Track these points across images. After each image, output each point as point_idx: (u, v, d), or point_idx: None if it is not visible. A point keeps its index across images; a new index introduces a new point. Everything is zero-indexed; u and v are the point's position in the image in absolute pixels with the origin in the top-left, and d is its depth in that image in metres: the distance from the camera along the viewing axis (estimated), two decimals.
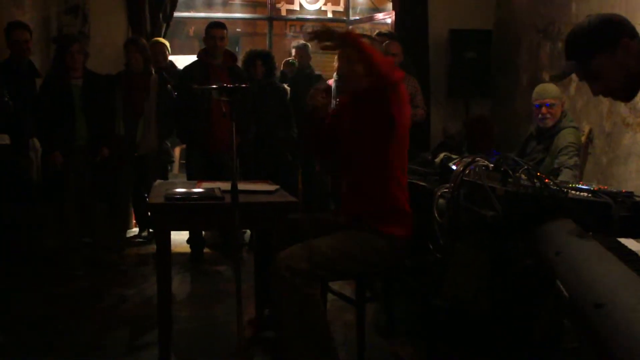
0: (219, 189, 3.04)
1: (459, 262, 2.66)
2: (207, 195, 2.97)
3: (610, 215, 2.32)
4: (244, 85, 2.69)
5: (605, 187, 2.51)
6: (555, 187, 2.36)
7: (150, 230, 5.86)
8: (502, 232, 2.36)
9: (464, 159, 2.87)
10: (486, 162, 2.72)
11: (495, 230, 2.38)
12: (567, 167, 3.89)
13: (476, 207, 2.54)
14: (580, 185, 2.55)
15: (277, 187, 3.22)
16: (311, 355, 2.68)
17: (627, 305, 1.51)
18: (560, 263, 2.09)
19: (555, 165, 3.96)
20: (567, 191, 2.40)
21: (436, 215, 2.87)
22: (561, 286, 1.99)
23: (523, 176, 2.45)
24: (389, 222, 2.93)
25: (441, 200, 2.96)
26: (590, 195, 2.41)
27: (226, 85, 2.65)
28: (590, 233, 2.32)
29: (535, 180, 2.39)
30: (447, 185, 2.88)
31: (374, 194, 2.94)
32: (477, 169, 2.70)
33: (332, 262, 2.75)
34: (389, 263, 2.97)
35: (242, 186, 2.77)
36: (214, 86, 2.79)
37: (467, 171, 2.71)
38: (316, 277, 2.72)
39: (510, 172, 2.49)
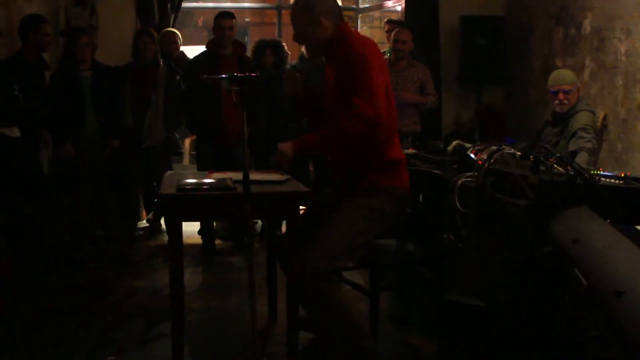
0: (231, 179, 3.01)
1: (483, 253, 2.63)
2: (219, 185, 2.94)
3: None
4: (253, 75, 2.65)
5: (629, 174, 2.48)
6: (587, 175, 2.34)
7: (152, 214, 5.87)
8: (535, 221, 2.32)
9: (489, 147, 2.83)
10: (513, 150, 2.69)
11: (529, 219, 2.34)
12: (584, 150, 3.84)
13: (506, 196, 2.50)
14: (603, 172, 2.52)
15: (288, 177, 3.18)
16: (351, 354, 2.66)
17: None
18: (578, 251, 2.06)
19: (572, 148, 3.91)
20: (599, 178, 2.39)
21: (457, 204, 2.82)
22: (579, 274, 1.96)
23: (555, 164, 2.42)
24: (381, 173, 2.81)
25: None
26: (620, 182, 2.38)
27: (236, 75, 2.62)
28: (608, 220, 2.29)
29: (568, 168, 2.36)
30: (469, 174, 2.84)
31: (360, 149, 2.79)
32: (504, 157, 2.66)
33: (344, 247, 2.70)
34: (391, 217, 2.88)
35: (253, 176, 2.74)
36: (224, 75, 2.76)
37: (492, 160, 2.67)
38: (332, 270, 2.70)
39: (543, 160, 2.46)
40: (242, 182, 2.63)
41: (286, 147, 2.70)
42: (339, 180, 2.98)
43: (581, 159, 3.75)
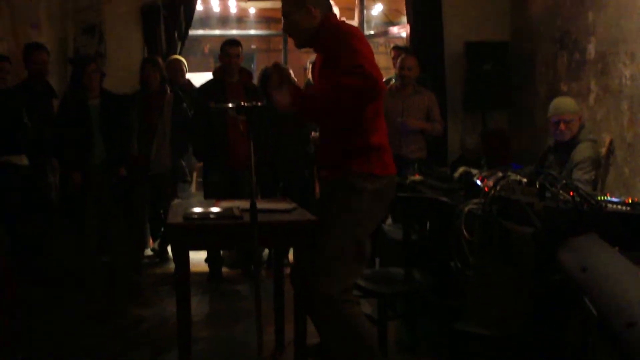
0: (238, 208, 3.01)
1: (491, 281, 2.62)
2: (226, 214, 2.95)
3: None
4: (260, 104, 2.67)
5: (637, 199, 2.47)
6: (593, 201, 2.33)
7: (157, 243, 5.88)
8: (541, 248, 2.32)
9: (495, 174, 2.83)
10: (518, 177, 2.69)
11: (535, 246, 2.34)
12: (580, 183, 3.83)
13: (512, 223, 2.50)
14: (609, 198, 2.51)
15: (295, 205, 3.19)
16: None
17: None
18: (588, 279, 2.05)
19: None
20: (605, 205, 2.37)
21: (464, 232, 2.81)
22: (589, 304, 1.95)
23: (561, 191, 2.42)
24: (365, 160, 2.77)
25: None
26: (628, 208, 2.38)
27: (244, 104, 2.63)
28: (617, 247, 2.27)
29: (574, 195, 2.36)
30: (475, 201, 2.83)
31: (344, 137, 2.79)
32: (509, 184, 2.66)
33: (347, 260, 2.71)
34: (383, 206, 2.86)
35: (260, 205, 2.74)
36: (231, 105, 2.78)
37: (498, 187, 2.67)
38: (349, 286, 2.72)
39: (548, 187, 2.46)
40: (249, 211, 2.63)
41: (284, 97, 2.67)
42: (325, 174, 2.98)
43: None
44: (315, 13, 2.80)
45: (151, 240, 6.03)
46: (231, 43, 5.17)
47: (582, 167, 3.94)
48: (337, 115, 2.73)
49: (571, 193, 2.41)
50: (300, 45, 2.93)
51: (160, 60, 5.56)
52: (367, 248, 2.82)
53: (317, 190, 5.92)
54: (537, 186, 2.57)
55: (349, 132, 2.77)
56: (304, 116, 2.74)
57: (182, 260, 2.91)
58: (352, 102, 2.62)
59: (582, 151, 4.00)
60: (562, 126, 4.05)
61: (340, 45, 2.66)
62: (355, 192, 2.75)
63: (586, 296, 1.99)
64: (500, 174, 2.92)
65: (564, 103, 4.19)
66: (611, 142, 5.02)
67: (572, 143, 4.06)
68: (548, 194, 2.49)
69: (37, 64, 4.90)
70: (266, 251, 5.60)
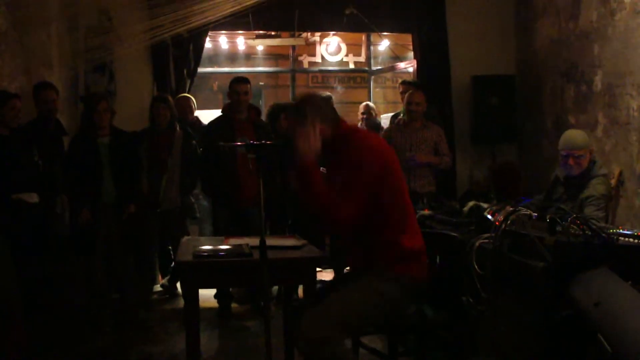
0: (247, 245, 3.02)
1: (502, 315, 2.60)
2: (235, 251, 2.95)
3: None
4: (269, 142, 2.69)
5: None
6: (605, 235, 2.32)
7: (167, 279, 5.87)
8: (552, 282, 2.30)
9: (505, 209, 2.82)
10: (529, 211, 2.68)
11: (546, 281, 2.32)
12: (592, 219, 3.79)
13: (523, 257, 2.48)
14: (622, 230, 2.49)
15: (305, 242, 3.19)
16: None
17: None
18: (601, 315, 2.03)
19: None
20: (617, 238, 2.36)
21: (476, 267, 2.79)
22: (603, 339, 1.93)
23: (572, 225, 2.41)
24: (396, 264, 2.79)
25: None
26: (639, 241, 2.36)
27: (253, 142, 2.66)
28: (630, 282, 2.25)
29: (585, 229, 2.34)
30: (486, 235, 2.82)
31: (375, 243, 2.82)
32: (520, 218, 2.65)
33: (348, 320, 2.70)
34: (403, 306, 2.87)
35: (269, 242, 2.74)
36: (240, 143, 2.80)
37: (509, 221, 2.66)
38: (343, 338, 2.68)
39: (559, 221, 2.45)
40: (258, 248, 2.63)
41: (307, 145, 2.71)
42: (356, 264, 2.98)
43: None
44: (323, 127, 2.78)
45: (160, 277, 6.02)
46: (239, 81, 5.22)
47: (595, 203, 3.86)
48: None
49: (582, 226, 2.39)
50: (318, 157, 2.91)
51: (169, 98, 5.61)
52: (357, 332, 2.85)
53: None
54: (548, 220, 2.55)
55: (378, 236, 2.81)
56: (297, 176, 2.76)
57: (192, 297, 2.92)
58: (318, 214, 2.71)
59: (595, 187, 3.90)
60: (570, 161, 3.96)
61: (350, 157, 2.73)
62: (389, 281, 2.76)
63: (599, 332, 1.97)
64: (510, 208, 2.91)
65: (574, 138, 4.05)
66: (621, 174, 5.00)
67: (584, 178, 3.97)
68: (559, 228, 2.48)
69: (46, 103, 4.97)
70: (275, 286, 5.58)
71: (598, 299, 2.08)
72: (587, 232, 2.40)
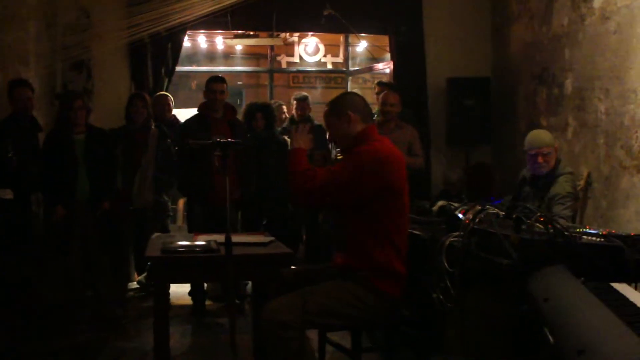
0: (215, 241, 3.06)
1: (470, 312, 2.65)
2: (202, 247, 3.00)
3: (623, 259, 2.34)
4: (234, 141, 2.74)
5: (613, 231, 2.52)
6: (568, 233, 2.38)
7: (144, 276, 5.88)
8: (516, 279, 2.36)
9: (475, 207, 2.88)
10: (496, 210, 2.75)
11: (510, 278, 2.38)
12: (561, 217, 3.88)
13: (490, 255, 2.55)
14: (588, 230, 2.56)
15: (272, 238, 3.24)
16: None
17: (607, 354, 1.53)
18: (548, 309, 2.10)
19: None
20: (580, 236, 2.43)
21: (445, 264, 2.86)
22: (547, 333, 2.00)
23: (536, 223, 2.47)
24: (380, 278, 2.92)
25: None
26: (602, 239, 2.42)
27: (219, 140, 2.70)
28: (582, 278, 2.32)
29: (549, 227, 2.41)
30: (455, 234, 2.89)
31: (365, 250, 2.93)
32: (488, 217, 2.72)
33: (318, 314, 2.76)
34: (376, 319, 2.97)
35: (236, 238, 2.80)
36: (208, 141, 2.85)
37: (477, 219, 2.72)
38: (305, 327, 2.74)
39: (524, 220, 2.51)
40: (224, 244, 2.68)
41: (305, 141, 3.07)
42: (340, 267, 3.05)
43: None
44: (355, 118, 2.99)
45: (136, 274, 6.04)
46: (216, 79, 5.25)
47: (561, 201, 3.95)
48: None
49: (547, 225, 2.46)
50: (341, 147, 3.22)
51: (147, 96, 5.64)
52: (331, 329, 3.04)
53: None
54: (514, 219, 2.62)
55: (369, 246, 2.95)
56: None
57: (161, 292, 2.96)
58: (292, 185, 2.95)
59: (563, 186, 4.00)
60: (540, 159, 4.04)
61: (352, 156, 2.95)
62: (366, 289, 2.88)
63: (546, 325, 2.04)
64: (479, 207, 2.98)
65: (539, 136, 4.17)
66: (589, 175, 5.10)
67: (550, 176, 4.07)
68: (524, 226, 2.55)
69: (20, 100, 4.95)
70: (250, 284, 5.62)
71: (547, 295, 2.15)
72: (550, 230, 2.46)
